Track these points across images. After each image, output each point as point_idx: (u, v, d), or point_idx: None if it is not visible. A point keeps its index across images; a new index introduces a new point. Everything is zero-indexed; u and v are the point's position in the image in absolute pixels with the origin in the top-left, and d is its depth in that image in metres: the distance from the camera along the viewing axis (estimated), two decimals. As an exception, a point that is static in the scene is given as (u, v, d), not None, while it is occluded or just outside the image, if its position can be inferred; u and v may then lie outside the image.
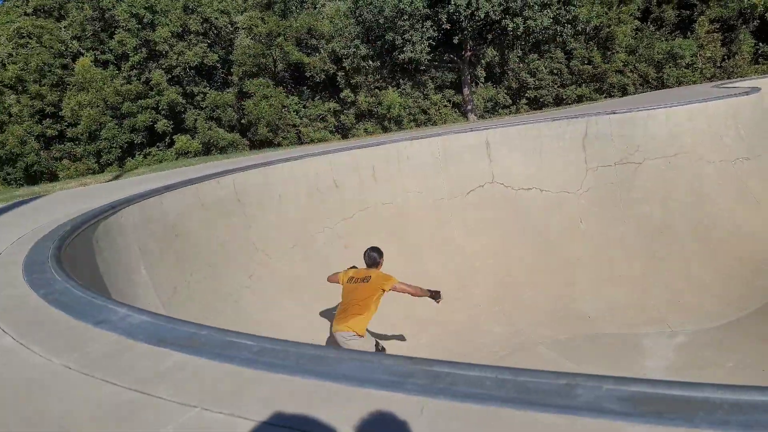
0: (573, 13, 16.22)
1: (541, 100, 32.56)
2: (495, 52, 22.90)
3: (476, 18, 15.06)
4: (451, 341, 6.36)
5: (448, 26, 15.48)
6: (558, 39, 16.96)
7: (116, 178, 9.89)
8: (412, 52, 15.07)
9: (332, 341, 4.75)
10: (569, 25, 16.11)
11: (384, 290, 4.60)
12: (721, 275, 7.15)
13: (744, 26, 34.21)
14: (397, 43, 15.07)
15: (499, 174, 8.69)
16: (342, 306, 4.66)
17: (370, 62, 16.92)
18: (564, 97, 32.58)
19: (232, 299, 4.99)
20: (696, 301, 6.80)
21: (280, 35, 23.97)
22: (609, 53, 32.03)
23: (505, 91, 30.91)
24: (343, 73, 24.24)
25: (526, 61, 28.15)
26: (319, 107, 25.06)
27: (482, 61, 26.57)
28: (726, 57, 33.60)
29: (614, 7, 31.48)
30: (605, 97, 32.43)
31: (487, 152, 8.86)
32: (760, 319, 6.21)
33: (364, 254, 4.94)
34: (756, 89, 9.99)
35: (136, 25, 24.93)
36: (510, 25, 15.14)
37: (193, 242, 5.11)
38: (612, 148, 8.86)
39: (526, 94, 32.26)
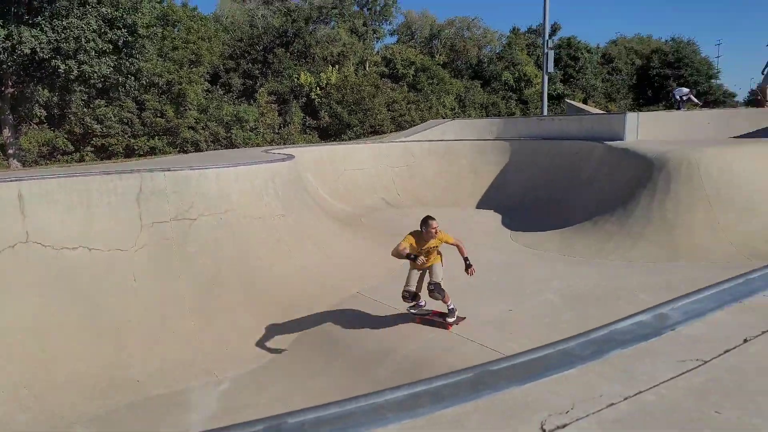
0: (137, 66, 16.03)
1: (110, 149, 30.70)
2: (51, 93, 20.50)
3: (19, 53, 13.09)
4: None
5: (-21, 55, 12.93)
6: (122, 89, 16.42)
7: None
8: None
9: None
10: (132, 77, 15.83)
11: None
12: (261, 320, 8.02)
13: (295, 101, 41.19)
14: None
15: (35, 232, 7.53)
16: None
17: None
18: (136, 148, 31.67)
19: None
20: (240, 347, 7.39)
21: None
22: (182, 109, 33.06)
23: (66, 136, 27.88)
24: None
25: (92, 106, 26.25)
26: None
27: (38, 99, 23.32)
28: (282, 125, 39.57)
29: (185, 67, 32.88)
30: (179, 151, 33.20)
31: (20, 207, 7.58)
32: (288, 356, 7.20)
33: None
34: (291, 156, 11.94)
35: None
36: (62, 67, 13.76)
37: None
38: (168, 205, 8.92)
39: (92, 142, 29.90)
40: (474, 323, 7.08)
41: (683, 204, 9.88)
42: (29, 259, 7.30)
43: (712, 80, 60.89)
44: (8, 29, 12.70)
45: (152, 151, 32.25)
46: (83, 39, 13.02)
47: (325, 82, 38.98)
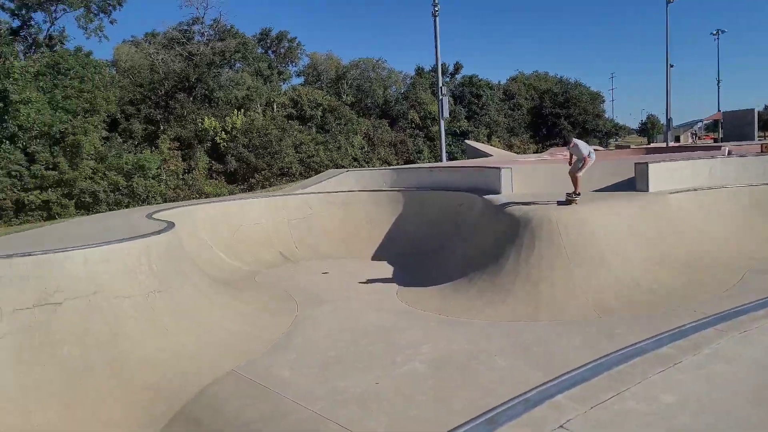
0: (11, 131, 15.29)
1: (-2, 204, 28.81)
2: None
3: None
4: None
5: None
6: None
7: None
8: None
9: None
10: (8, 141, 15.07)
11: None
12: (130, 409, 7.81)
13: (200, 146, 40.42)
14: None
15: None
16: None
17: None
18: (27, 202, 29.80)
19: None
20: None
21: None
22: (77, 159, 31.55)
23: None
24: None
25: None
26: None
27: None
28: (186, 171, 38.65)
29: (79, 116, 31.53)
30: (75, 202, 31.58)
31: None
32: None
33: None
34: (171, 225, 11.75)
35: None
36: None
37: None
38: (30, 290, 8.53)
39: (-24, 197, 27.97)
40: (338, 400, 7.25)
41: (545, 260, 10.70)
42: None
43: (599, 118, 66.37)
44: None
45: (46, 205, 30.44)
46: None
47: (231, 126, 38.68)
